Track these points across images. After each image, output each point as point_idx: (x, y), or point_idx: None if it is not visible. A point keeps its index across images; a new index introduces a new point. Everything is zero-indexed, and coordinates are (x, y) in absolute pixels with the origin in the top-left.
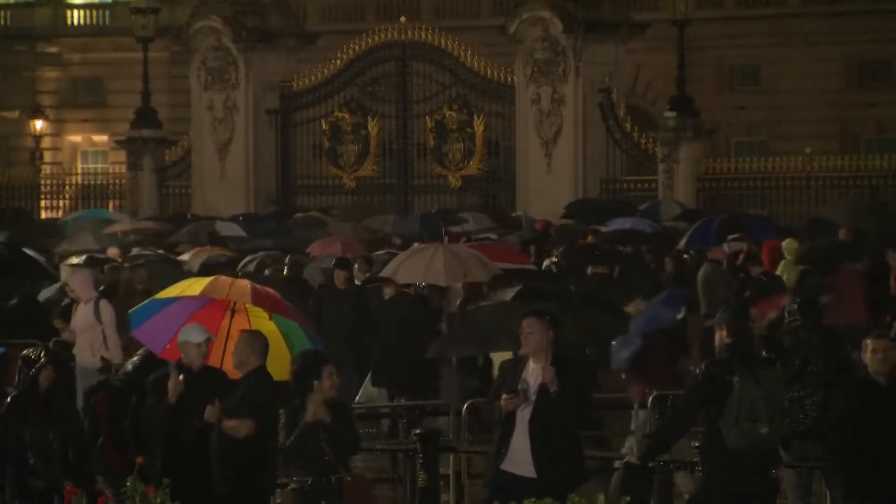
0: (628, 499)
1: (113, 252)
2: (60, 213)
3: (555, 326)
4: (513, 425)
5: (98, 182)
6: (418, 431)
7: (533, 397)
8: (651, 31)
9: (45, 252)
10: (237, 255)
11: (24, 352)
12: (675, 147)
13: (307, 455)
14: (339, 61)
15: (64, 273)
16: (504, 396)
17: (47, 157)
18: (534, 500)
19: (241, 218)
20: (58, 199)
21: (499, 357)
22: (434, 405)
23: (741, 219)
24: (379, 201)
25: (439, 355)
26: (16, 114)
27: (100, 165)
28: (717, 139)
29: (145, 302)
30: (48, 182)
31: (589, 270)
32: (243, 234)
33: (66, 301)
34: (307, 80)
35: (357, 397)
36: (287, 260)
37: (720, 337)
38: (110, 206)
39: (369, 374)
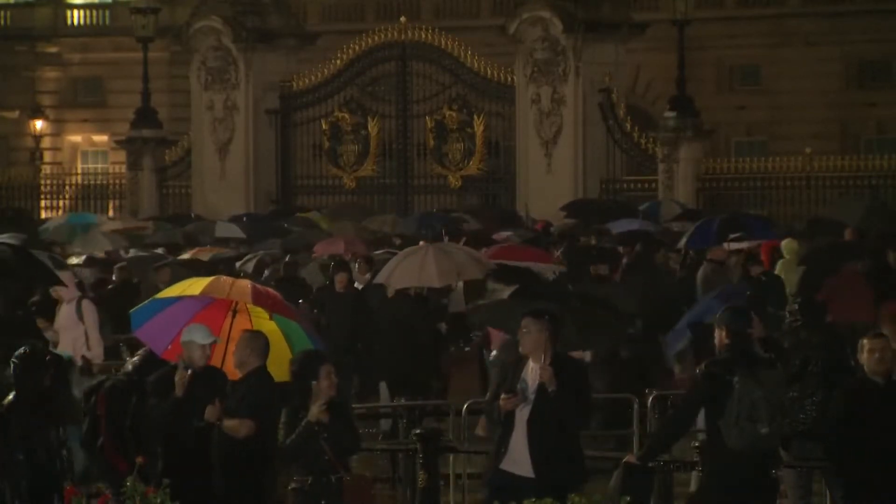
0: (628, 499)
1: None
2: (60, 213)
3: (554, 326)
4: (512, 425)
5: (98, 182)
6: (418, 431)
7: (532, 397)
8: (651, 31)
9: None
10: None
11: (21, 350)
12: (675, 147)
13: (307, 455)
14: (339, 61)
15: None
16: (503, 396)
17: (47, 157)
18: (533, 500)
19: (244, 218)
20: (58, 199)
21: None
22: (434, 405)
23: (741, 219)
24: (379, 201)
25: None
26: (16, 114)
27: (100, 165)
28: (717, 139)
29: (146, 302)
30: (48, 182)
31: (591, 271)
32: (242, 235)
33: (37, 298)
34: (307, 80)
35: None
36: (286, 259)
37: (720, 337)
38: (110, 206)
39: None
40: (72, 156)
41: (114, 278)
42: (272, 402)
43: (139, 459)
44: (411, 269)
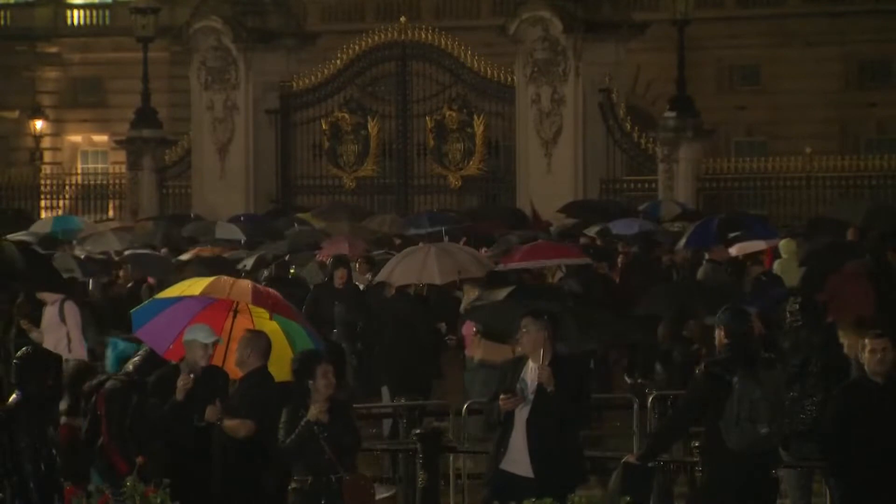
0: (628, 499)
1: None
2: (60, 213)
3: (553, 326)
4: (512, 425)
5: (98, 182)
6: (418, 431)
7: (531, 397)
8: (651, 31)
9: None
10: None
11: (23, 350)
12: (675, 147)
13: (307, 454)
14: (339, 61)
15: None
16: (502, 396)
17: (47, 157)
18: (533, 500)
19: (241, 218)
20: (58, 199)
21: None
22: (434, 405)
23: (741, 218)
24: (379, 201)
25: None
26: (16, 114)
27: (100, 165)
28: (717, 139)
29: (146, 302)
30: (48, 182)
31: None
32: (241, 236)
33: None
34: (307, 80)
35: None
36: (286, 259)
37: (719, 337)
38: (110, 206)
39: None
40: (72, 156)
41: (120, 276)
42: (272, 402)
43: (139, 459)
44: (413, 267)
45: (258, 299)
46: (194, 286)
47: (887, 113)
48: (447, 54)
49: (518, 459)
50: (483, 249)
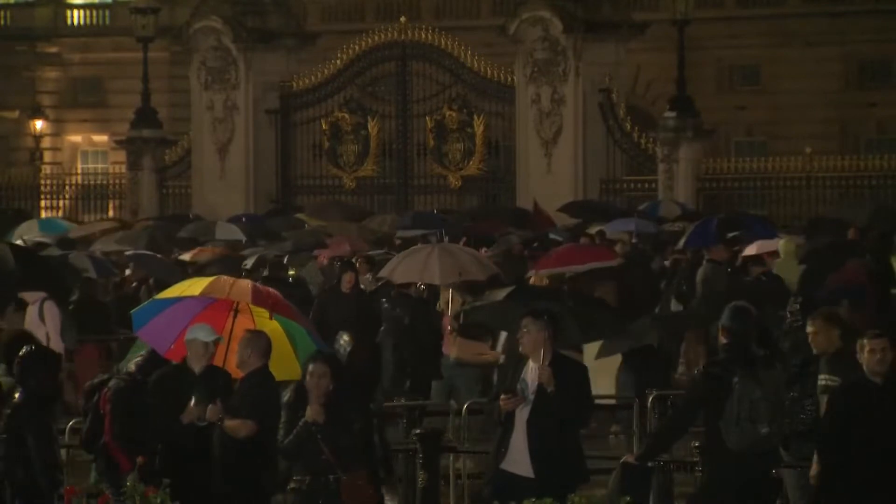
0: (628, 499)
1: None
2: (60, 213)
3: (553, 326)
4: (512, 425)
5: (98, 182)
6: (418, 431)
7: (531, 397)
8: (651, 31)
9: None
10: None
11: (25, 349)
12: (675, 147)
13: (305, 454)
14: (339, 61)
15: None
16: (502, 396)
17: (47, 157)
18: (533, 500)
19: (243, 219)
20: (58, 199)
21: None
22: (434, 405)
23: (741, 218)
24: (379, 201)
25: None
26: (16, 114)
27: (100, 165)
28: (717, 139)
29: (147, 302)
30: (48, 182)
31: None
32: (242, 236)
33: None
34: (307, 80)
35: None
36: (286, 259)
37: (719, 337)
38: (110, 206)
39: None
40: (72, 156)
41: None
42: (272, 402)
43: (139, 459)
44: (414, 266)
45: (258, 299)
46: (194, 286)
47: (887, 113)
48: (447, 54)
49: (518, 459)
50: (483, 249)
